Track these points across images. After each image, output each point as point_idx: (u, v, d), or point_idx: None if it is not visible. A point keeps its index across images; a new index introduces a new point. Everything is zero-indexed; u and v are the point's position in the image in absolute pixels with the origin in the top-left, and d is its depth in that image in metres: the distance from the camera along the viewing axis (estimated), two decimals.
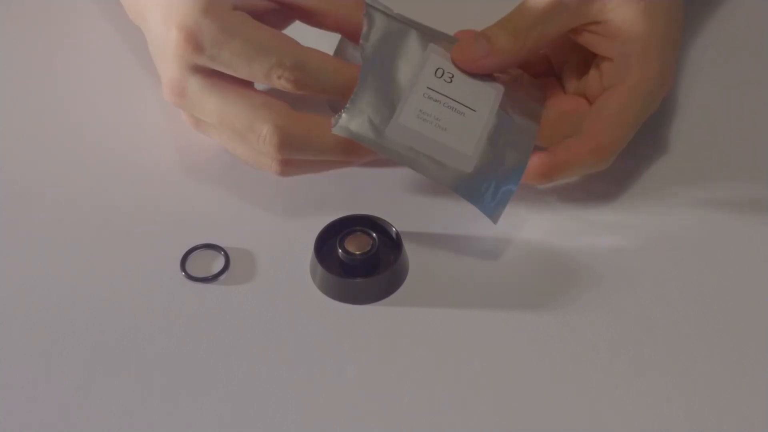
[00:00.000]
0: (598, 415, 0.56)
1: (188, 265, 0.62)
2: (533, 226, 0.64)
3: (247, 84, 0.62)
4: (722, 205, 0.65)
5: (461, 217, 0.64)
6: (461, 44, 0.63)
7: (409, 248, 0.62)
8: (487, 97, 0.62)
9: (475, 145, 0.61)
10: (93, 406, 0.56)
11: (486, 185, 0.60)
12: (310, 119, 0.61)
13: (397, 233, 0.62)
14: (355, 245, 0.61)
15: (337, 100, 0.62)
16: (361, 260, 0.60)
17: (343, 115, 0.60)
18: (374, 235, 0.61)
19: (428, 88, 0.61)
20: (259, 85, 0.63)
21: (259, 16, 0.62)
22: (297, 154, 0.61)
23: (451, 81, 0.62)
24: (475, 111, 0.62)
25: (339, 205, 0.65)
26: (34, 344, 0.59)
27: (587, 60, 0.66)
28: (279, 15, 0.65)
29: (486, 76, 0.63)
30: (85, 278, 0.62)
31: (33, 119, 0.71)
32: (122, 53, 0.75)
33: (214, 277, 0.62)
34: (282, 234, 0.64)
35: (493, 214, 0.60)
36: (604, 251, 0.62)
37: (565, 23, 0.63)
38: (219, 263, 0.62)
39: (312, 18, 0.64)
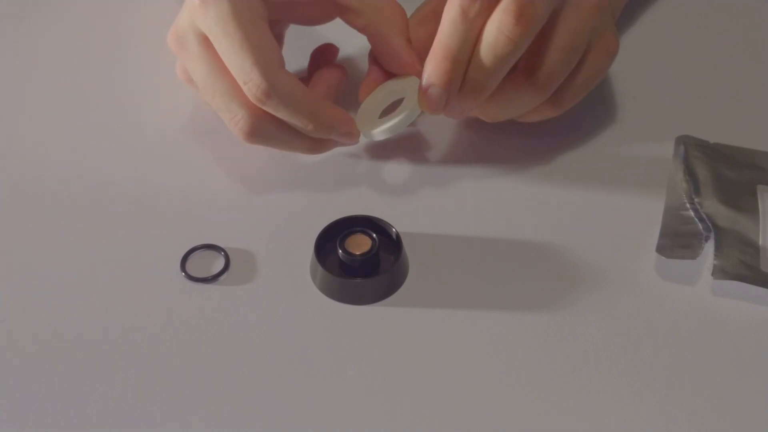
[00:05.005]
0: (598, 415, 0.56)
1: (188, 266, 0.62)
2: (533, 226, 0.64)
3: None
4: None
5: (461, 217, 0.64)
6: None
7: (409, 248, 0.62)
8: None
9: None
10: (93, 407, 0.56)
11: None
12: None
13: (397, 234, 0.62)
14: (355, 246, 0.61)
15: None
16: (361, 261, 0.60)
17: (715, 262, 0.61)
18: (374, 235, 0.61)
19: None
20: None
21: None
22: (267, 133, 0.63)
23: None
24: None
25: (339, 205, 0.65)
26: (34, 344, 0.59)
27: None
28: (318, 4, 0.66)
29: None
30: (86, 278, 0.62)
31: (32, 120, 0.71)
32: (118, 63, 0.75)
33: (214, 278, 0.62)
34: (282, 234, 0.64)
35: None
36: (605, 251, 0.62)
37: None
38: (219, 263, 0.62)
39: (345, 16, 0.66)
